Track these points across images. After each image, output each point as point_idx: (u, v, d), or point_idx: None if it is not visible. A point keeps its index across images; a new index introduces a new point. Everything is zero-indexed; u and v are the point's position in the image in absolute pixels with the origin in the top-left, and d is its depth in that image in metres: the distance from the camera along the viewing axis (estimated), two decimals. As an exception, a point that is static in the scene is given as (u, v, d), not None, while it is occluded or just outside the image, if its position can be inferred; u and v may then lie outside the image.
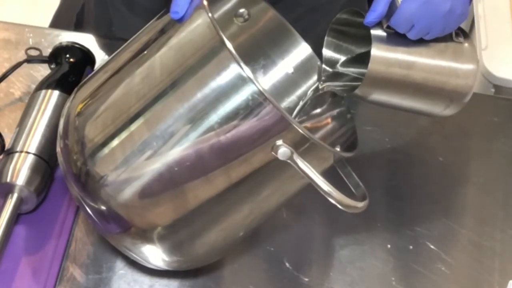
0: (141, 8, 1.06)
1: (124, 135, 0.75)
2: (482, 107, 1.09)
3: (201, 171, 0.73)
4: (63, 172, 0.80)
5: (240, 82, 0.70)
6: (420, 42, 0.80)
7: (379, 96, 0.83)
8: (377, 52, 0.79)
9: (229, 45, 0.69)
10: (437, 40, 0.81)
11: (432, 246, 0.92)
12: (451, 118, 1.06)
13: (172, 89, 0.72)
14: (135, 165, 0.74)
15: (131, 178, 0.75)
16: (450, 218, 0.95)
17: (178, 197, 0.75)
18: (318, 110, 0.88)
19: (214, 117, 0.71)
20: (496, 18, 1.45)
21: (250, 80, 0.69)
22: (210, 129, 0.71)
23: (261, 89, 0.69)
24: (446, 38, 0.82)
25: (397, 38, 0.79)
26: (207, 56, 0.71)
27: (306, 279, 0.88)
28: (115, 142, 0.75)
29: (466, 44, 0.84)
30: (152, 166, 0.73)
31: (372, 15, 0.77)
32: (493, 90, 1.38)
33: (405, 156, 1.02)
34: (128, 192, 0.75)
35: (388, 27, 0.79)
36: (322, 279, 0.88)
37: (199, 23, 0.73)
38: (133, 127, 0.74)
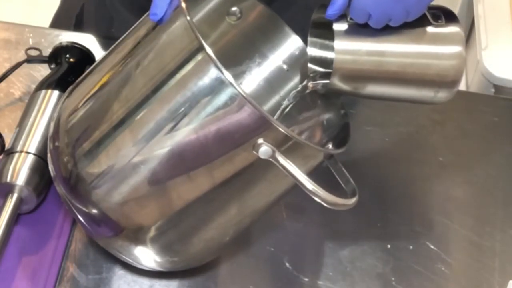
0: (141, 9, 1.06)
1: (110, 139, 0.75)
2: (482, 107, 1.09)
3: (186, 172, 0.73)
4: (52, 174, 0.80)
5: (219, 84, 0.70)
6: (391, 29, 0.80)
7: (360, 87, 0.82)
8: (340, 43, 0.79)
9: (207, 48, 0.69)
10: (411, 25, 0.80)
11: (432, 246, 0.92)
12: (451, 118, 1.07)
13: (154, 93, 0.73)
14: (123, 168, 0.74)
15: (120, 181, 0.75)
16: (450, 218, 0.95)
17: (166, 198, 0.75)
18: (310, 107, 0.88)
19: (196, 120, 0.71)
20: (496, 18, 1.45)
21: (229, 82, 0.69)
22: (192, 131, 0.71)
23: (240, 91, 0.69)
24: (423, 22, 0.81)
25: (362, 28, 0.79)
26: (186, 59, 0.71)
27: (306, 279, 0.88)
28: (103, 146, 0.75)
29: (448, 26, 0.82)
30: (139, 170, 0.74)
31: (332, 8, 0.78)
32: (493, 90, 1.38)
33: (405, 156, 1.02)
34: (118, 195, 0.75)
35: (352, 18, 0.79)
36: (322, 279, 0.88)
37: (178, 25, 0.73)
38: (118, 131, 0.74)
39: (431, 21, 0.81)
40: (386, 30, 0.79)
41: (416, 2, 0.78)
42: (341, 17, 0.79)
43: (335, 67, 0.79)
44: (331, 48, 0.85)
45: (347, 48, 0.80)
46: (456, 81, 0.83)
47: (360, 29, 0.79)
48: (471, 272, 0.91)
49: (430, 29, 0.81)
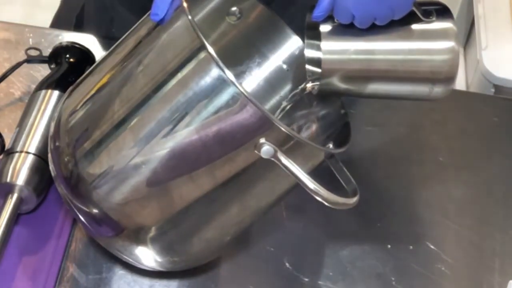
0: (141, 9, 1.06)
1: (111, 138, 0.75)
2: (482, 107, 1.09)
3: (187, 173, 0.73)
4: (53, 174, 0.81)
5: (220, 83, 0.70)
6: (379, 27, 0.79)
7: (353, 86, 0.82)
8: (327, 43, 0.79)
9: (209, 47, 0.69)
10: (400, 22, 0.80)
11: (432, 246, 0.92)
12: (451, 118, 1.07)
13: (155, 92, 0.73)
14: (124, 168, 0.74)
15: (121, 181, 0.75)
16: (450, 218, 0.95)
17: (168, 199, 0.75)
18: (310, 107, 0.88)
19: (197, 119, 0.71)
20: (496, 18, 1.46)
21: (231, 81, 0.69)
22: (194, 130, 0.71)
23: (242, 90, 0.69)
24: (413, 19, 0.81)
25: (349, 28, 0.79)
26: (188, 59, 0.71)
27: (306, 279, 0.88)
28: (104, 146, 0.75)
29: (439, 22, 0.82)
30: (140, 170, 0.74)
31: (317, 10, 0.78)
32: (493, 90, 1.38)
33: (405, 156, 1.02)
34: (119, 195, 0.75)
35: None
36: (322, 279, 0.88)
37: (179, 25, 0.73)
38: (119, 130, 0.74)
39: (421, 17, 0.81)
40: (374, 29, 0.79)
41: (397, 3, 0.78)
42: (329, 18, 0.80)
43: (324, 67, 0.80)
44: None
45: (334, 49, 0.80)
46: (450, 77, 0.82)
47: (347, 29, 0.79)
48: (471, 272, 0.91)
49: (420, 25, 0.81)
